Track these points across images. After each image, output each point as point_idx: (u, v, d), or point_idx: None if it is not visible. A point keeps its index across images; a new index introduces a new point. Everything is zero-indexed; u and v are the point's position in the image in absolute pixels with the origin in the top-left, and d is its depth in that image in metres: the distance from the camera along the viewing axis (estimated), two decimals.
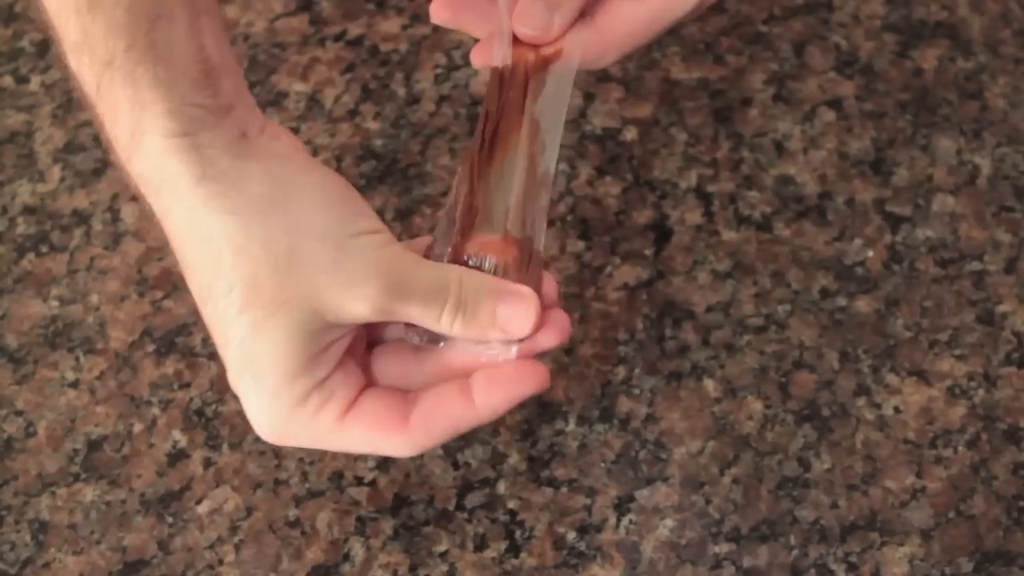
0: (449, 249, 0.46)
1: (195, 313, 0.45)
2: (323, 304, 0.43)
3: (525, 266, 0.46)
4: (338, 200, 0.45)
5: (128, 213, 0.62)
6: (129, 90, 0.42)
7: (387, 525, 0.52)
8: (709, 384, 0.55)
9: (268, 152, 0.44)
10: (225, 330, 0.44)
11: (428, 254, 0.47)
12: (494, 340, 0.46)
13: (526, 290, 0.46)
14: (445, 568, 0.51)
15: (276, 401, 0.44)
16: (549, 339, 0.46)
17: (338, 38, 0.67)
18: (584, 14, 0.49)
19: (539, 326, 0.45)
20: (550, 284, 0.47)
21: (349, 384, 0.45)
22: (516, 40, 0.49)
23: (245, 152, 0.43)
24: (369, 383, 0.47)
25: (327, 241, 0.43)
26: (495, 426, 0.55)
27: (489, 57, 0.50)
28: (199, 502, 0.53)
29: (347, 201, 0.45)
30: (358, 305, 0.43)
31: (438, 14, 0.50)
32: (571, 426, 0.54)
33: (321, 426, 0.45)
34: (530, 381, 0.45)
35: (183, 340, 0.58)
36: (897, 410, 0.54)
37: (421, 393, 0.46)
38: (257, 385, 0.44)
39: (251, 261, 0.43)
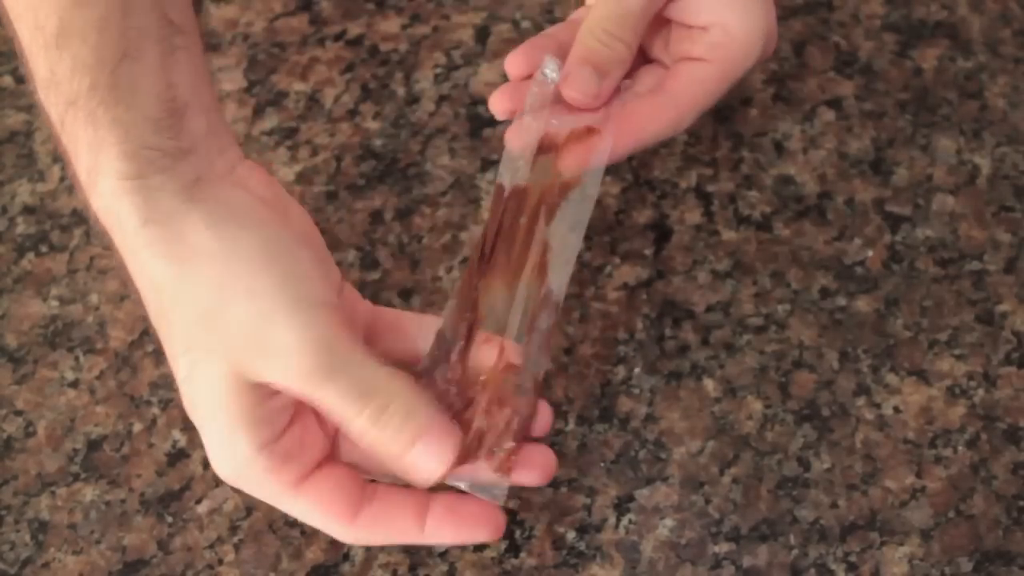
0: (445, 367, 0.46)
1: None
2: (241, 364, 0.42)
3: (519, 394, 0.46)
4: (285, 261, 0.43)
5: None
6: (89, 130, 0.42)
7: None
8: (709, 384, 0.55)
9: (221, 200, 0.43)
10: (174, 364, 0.44)
11: (420, 370, 0.46)
12: (393, 470, 0.44)
13: (451, 438, 0.43)
14: (445, 568, 0.51)
15: (229, 447, 0.43)
16: (531, 479, 0.46)
17: (338, 38, 0.67)
18: (655, 87, 0.51)
19: (444, 475, 0.44)
20: (544, 416, 0.47)
21: (307, 452, 0.44)
22: (535, 159, 0.49)
23: (195, 198, 0.43)
24: (334, 454, 0.46)
25: (256, 302, 0.42)
26: None
27: (524, 137, 0.50)
28: (199, 502, 0.53)
29: (298, 262, 0.43)
30: (277, 375, 0.42)
31: (498, 107, 0.50)
32: (571, 426, 0.54)
33: (273, 488, 0.44)
34: (484, 529, 0.45)
35: None
36: (897, 410, 0.54)
37: (379, 492, 0.45)
38: (209, 426, 0.44)
39: (183, 308, 0.43)
